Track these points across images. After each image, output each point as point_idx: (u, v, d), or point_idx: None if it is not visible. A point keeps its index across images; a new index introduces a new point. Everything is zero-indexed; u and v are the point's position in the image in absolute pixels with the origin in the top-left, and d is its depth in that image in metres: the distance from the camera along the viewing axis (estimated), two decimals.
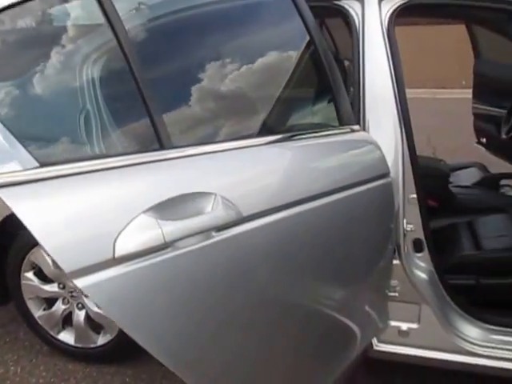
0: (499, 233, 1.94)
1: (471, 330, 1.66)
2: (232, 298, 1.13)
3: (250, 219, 1.12)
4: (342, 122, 1.48)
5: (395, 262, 1.61)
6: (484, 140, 3.43)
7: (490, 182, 2.43)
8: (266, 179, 1.25)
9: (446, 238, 2.03)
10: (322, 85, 1.49)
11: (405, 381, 1.90)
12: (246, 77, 1.39)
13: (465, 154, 4.41)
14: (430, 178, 2.28)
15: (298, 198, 1.24)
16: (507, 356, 1.62)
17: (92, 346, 2.08)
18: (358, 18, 1.65)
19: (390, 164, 1.54)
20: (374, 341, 1.68)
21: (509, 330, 1.66)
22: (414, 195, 1.60)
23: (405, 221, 1.59)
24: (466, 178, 2.64)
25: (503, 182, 2.46)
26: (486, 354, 1.63)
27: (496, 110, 3.19)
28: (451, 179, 2.79)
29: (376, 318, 1.65)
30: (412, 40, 8.80)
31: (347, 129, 1.49)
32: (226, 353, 1.17)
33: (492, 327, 1.67)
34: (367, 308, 1.63)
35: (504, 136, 2.55)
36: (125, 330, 0.98)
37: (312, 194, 1.30)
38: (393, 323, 1.67)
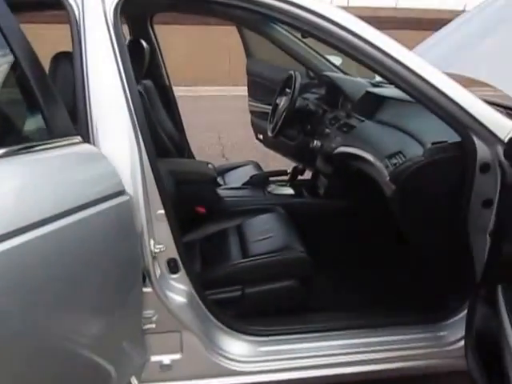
0: (264, 235, 1.90)
1: (238, 347, 1.56)
2: None
3: None
4: (56, 133, 1.20)
5: (146, 289, 1.41)
6: (261, 136, 3.51)
7: (258, 180, 2.42)
8: None
9: (215, 247, 1.93)
10: (26, 93, 1.19)
11: None
12: None
13: (252, 150, 4.51)
14: (195, 183, 2.17)
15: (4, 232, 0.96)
16: (279, 367, 1.57)
17: None
18: (79, 10, 1.39)
19: (125, 179, 1.32)
20: (134, 380, 1.46)
21: (278, 338, 1.61)
22: (162, 211, 1.42)
23: (152, 242, 1.39)
24: (239, 178, 2.62)
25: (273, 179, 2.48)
26: (256, 369, 1.54)
27: (267, 107, 3.27)
28: (226, 180, 2.75)
29: (133, 354, 1.44)
30: (202, 39, 8.94)
31: (64, 142, 1.22)
32: None
33: (261, 339, 1.60)
34: (121, 344, 1.39)
35: (270, 134, 2.57)
36: None
37: (23, 225, 1.01)
38: (154, 358, 1.48)
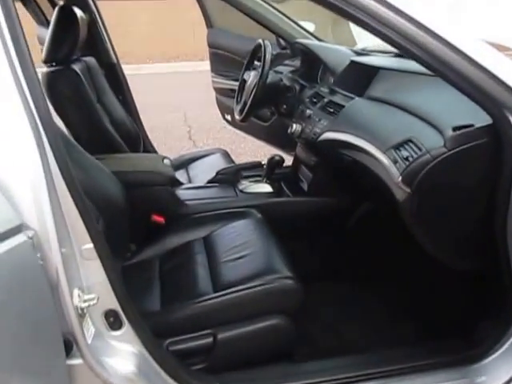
0: (239, 253, 1.49)
1: None
2: None
3: None
4: None
5: (73, 362, 0.99)
6: (228, 117, 3.09)
7: (227, 176, 2.00)
8: None
9: (176, 271, 1.51)
10: None
11: None
12: None
13: (220, 131, 4.05)
14: (149, 185, 1.75)
15: None
16: None
17: None
18: None
19: (23, 208, 0.89)
20: None
21: None
22: (90, 244, 0.99)
23: (77, 292, 0.97)
24: (205, 171, 2.19)
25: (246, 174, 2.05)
26: None
27: (234, 83, 2.84)
28: (190, 173, 2.32)
29: None
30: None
31: None
32: None
33: None
34: None
35: (238, 117, 2.15)
36: None
37: None
38: None
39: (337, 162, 1.70)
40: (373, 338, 1.51)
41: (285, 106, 2.08)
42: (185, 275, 1.46)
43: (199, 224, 1.73)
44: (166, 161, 1.85)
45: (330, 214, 1.81)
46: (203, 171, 2.23)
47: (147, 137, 2.50)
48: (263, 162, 2.03)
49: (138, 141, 2.35)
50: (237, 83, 2.93)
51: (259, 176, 1.98)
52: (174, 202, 1.75)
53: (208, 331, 1.26)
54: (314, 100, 1.90)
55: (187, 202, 1.79)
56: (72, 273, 0.97)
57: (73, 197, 0.96)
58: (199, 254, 1.55)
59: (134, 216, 1.64)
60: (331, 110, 1.73)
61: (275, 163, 1.90)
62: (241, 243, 1.53)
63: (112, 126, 2.05)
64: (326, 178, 1.80)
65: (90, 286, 1.00)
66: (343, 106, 1.68)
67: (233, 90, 2.98)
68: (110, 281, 1.02)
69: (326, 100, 1.82)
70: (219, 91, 3.11)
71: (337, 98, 1.78)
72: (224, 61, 2.97)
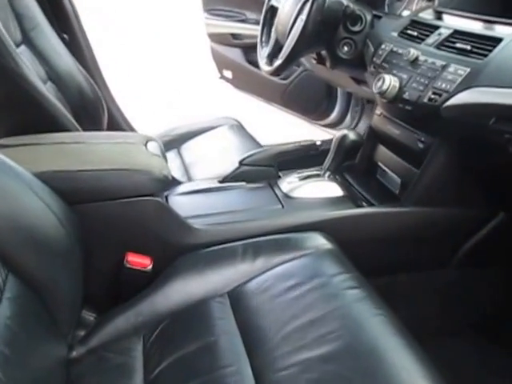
0: (306, 339, 0.69)
1: None
2: None
3: None
4: None
5: None
6: (229, 73, 2.28)
7: (258, 170, 1.14)
8: None
9: (181, 370, 0.71)
10: None
11: None
12: None
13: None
14: (124, 198, 0.91)
15: None
16: None
17: None
18: None
19: None
20: None
21: None
22: None
23: None
24: (211, 158, 1.35)
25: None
26: None
27: (238, 25, 2.04)
28: (186, 160, 1.47)
29: None
30: None
31: None
32: None
33: None
34: None
35: (266, 68, 1.32)
36: None
37: None
38: None
39: (482, 146, 0.90)
40: None
41: (346, 48, 1.23)
42: None
43: (217, 265, 0.91)
44: (151, 144, 1.00)
45: (451, 233, 1.02)
46: (207, 157, 1.39)
47: (114, 102, 1.59)
48: (318, 143, 1.19)
49: (98, 111, 1.44)
50: (242, 25, 2.08)
51: (315, 167, 1.15)
52: (171, 223, 0.92)
53: None
54: (412, 33, 1.06)
55: (193, 223, 0.96)
56: None
57: None
58: (225, 336, 0.75)
59: (95, 260, 0.84)
60: (465, 48, 0.91)
61: (350, 146, 1.06)
62: (309, 316, 0.73)
63: (51, 84, 1.17)
64: (448, 173, 0.98)
65: None
66: (498, 40, 0.86)
67: (235, 35, 2.14)
68: None
69: (443, 32, 0.99)
70: (216, 38, 2.25)
71: (468, 26, 0.96)
72: None
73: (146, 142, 1.00)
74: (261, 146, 1.49)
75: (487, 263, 1.12)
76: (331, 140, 1.12)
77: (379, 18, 1.22)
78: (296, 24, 1.20)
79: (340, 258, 0.89)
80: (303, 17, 1.17)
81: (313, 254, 0.90)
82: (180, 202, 1.04)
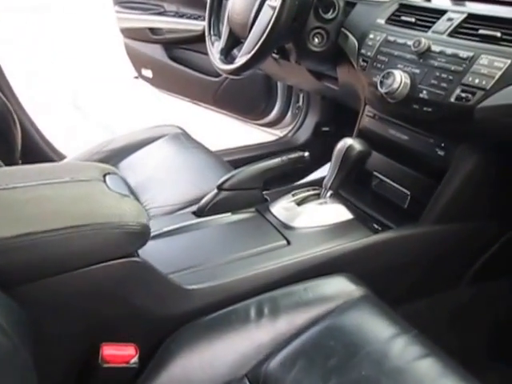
0: None
1: None
2: None
3: None
4: None
5: None
6: (148, 72, 2.03)
7: (240, 195, 0.92)
8: None
9: None
10: None
11: None
12: None
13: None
14: (86, 267, 0.63)
15: None
16: None
17: None
18: None
19: None
20: None
21: None
22: None
23: None
24: (162, 182, 1.08)
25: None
26: None
27: (155, 18, 1.80)
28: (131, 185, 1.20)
29: None
30: None
31: None
32: None
33: None
34: None
35: (222, 64, 1.10)
36: None
37: None
38: None
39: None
40: None
41: (317, 40, 1.04)
42: None
43: (226, 337, 0.68)
44: (111, 178, 0.73)
45: (468, 248, 0.89)
46: (157, 178, 1.13)
47: (26, 115, 1.23)
48: (306, 155, 0.98)
49: (9, 123, 1.10)
50: (161, 18, 1.83)
51: (309, 186, 0.95)
52: (159, 290, 0.67)
53: None
54: (408, 19, 0.90)
55: (180, 282, 0.71)
56: None
57: None
58: None
59: (52, 364, 0.57)
60: (494, 35, 0.76)
61: (357, 158, 0.87)
62: None
63: None
64: (477, 185, 0.84)
65: None
66: None
67: (154, 30, 1.88)
68: None
69: (454, 16, 0.83)
70: (130, 33, 1.96)
71: (482, 9, 0.81)
72: None
73: (104, 176, 0.73)
74: (216, 156, 1.26)
75: (499, 274, 1.00)
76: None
77: (353, 4, 1.05)
78: (262, 12, 0.99)
79: (381, 306, 0.71)
80: (273, 3, 0.96)
81: (345, 308, 0.70)
82: (152, 252, 0.77)
